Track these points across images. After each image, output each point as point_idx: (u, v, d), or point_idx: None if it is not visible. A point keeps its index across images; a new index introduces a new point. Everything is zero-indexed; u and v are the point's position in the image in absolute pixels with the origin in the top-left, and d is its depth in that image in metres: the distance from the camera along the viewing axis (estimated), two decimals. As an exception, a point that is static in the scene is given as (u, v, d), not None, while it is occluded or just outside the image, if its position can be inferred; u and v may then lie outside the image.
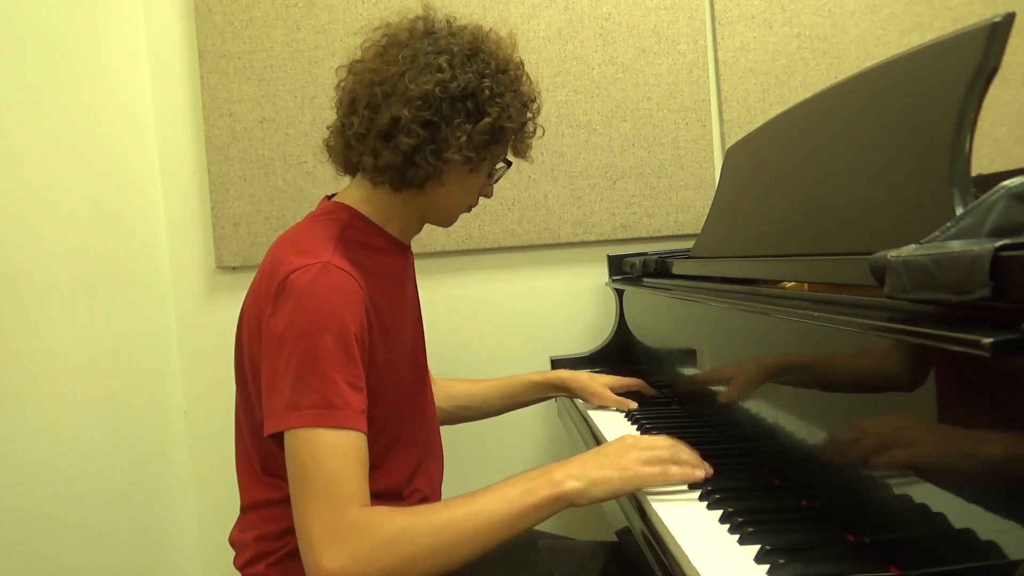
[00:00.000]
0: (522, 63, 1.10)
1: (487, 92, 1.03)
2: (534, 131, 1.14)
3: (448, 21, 1.08)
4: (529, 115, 1.11)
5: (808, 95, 1.19)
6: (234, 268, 1.92)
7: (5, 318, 1.29)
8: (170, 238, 1.92)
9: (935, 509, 0.64)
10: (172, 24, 1.90)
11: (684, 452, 0.96)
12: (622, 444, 0.96)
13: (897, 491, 0.70)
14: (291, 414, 0.90)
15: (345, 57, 1.11)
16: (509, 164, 1.17)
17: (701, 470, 0.94)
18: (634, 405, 1.41)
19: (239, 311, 1.07)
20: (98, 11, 1.69)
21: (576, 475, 0.91)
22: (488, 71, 1.03)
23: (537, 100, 1.12)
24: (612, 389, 1.46)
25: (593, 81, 1.95)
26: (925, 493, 0.66)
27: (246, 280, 1.03)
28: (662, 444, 0.96)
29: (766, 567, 0.71)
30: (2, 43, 1.34)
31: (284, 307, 0.94)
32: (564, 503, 0.90)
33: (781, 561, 0.71)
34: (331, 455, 0.89)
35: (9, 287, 1.30)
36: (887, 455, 0.72)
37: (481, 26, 1.08)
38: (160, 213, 1.91)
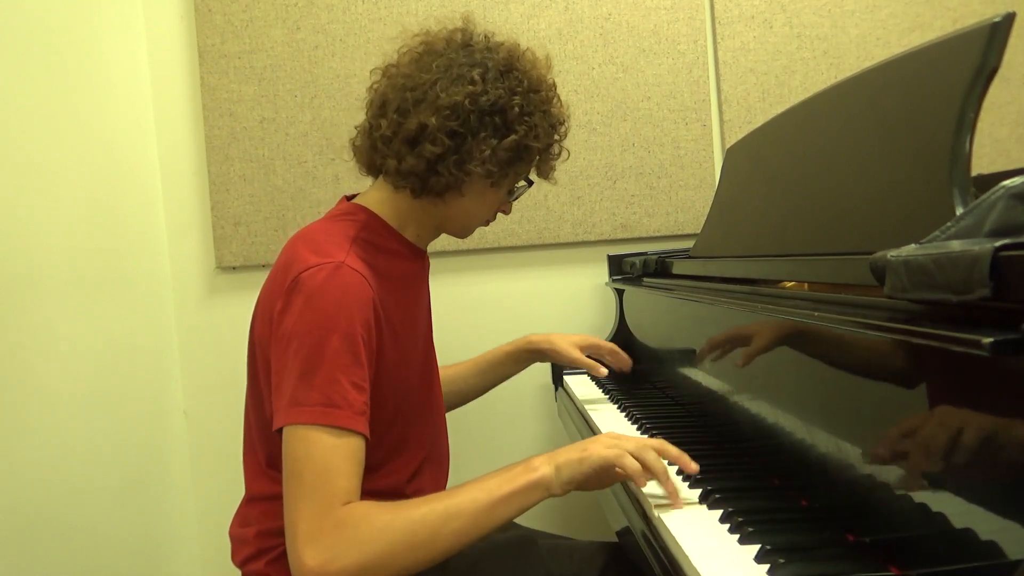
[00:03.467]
0: (555, 85, 1.10)
1: (516, 109, 1.03)
2: (559, 154, 1.14)
3: (486, 36, 1.08)
4: (556, 137, 1.11)
5: (808, 95, 1.19)
6: (234, 268, 1.91)
7: (5, 318, 1.29)
8: (170, 238, 1.92)
9: (935, 509, 0.64)
10: (172, 24, 1.90)
11: (651, 454, 0.92)
12: (598, 435, 0.98)
13: (897, 491, 0.70)
14: (292, 410, 0.91)
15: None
16: (530, 183, 1.18)
17: (650, 478, 0.92)
18: (604, 371, 1.46)
19: (245, 307, 1.08)
20: (98, 11, 1.69)
21: (548, 460, 0.93)
22: (520, 89, 1.04)
23: (566, 123, 1.13)
24: (581, 348, 1.48)
25: (593, 81, 1.95)
26: (925, 493, 0.66)
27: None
28: (632, 438, 0.96)
29: (766, 567, 0.71)
30: (2, 43, 1.34)
31: (295, 304, 0.95)
32: (541, 489, 0.92)
33: (781, 561, 0.71)
34: (326, 453, 0.90)
35: (9, 287, 1.30)
36: (887, 455, 0.72)
37: (518, 44, 1.09)
38: (160, 213, 1.91)
